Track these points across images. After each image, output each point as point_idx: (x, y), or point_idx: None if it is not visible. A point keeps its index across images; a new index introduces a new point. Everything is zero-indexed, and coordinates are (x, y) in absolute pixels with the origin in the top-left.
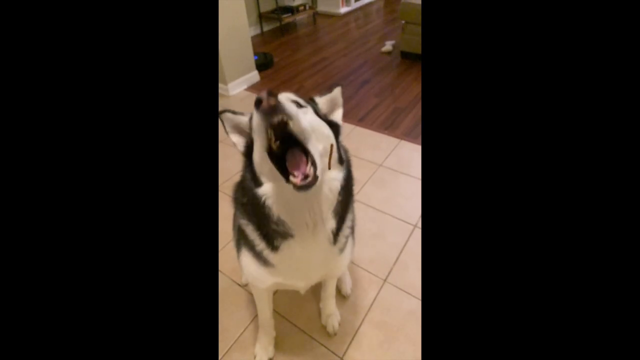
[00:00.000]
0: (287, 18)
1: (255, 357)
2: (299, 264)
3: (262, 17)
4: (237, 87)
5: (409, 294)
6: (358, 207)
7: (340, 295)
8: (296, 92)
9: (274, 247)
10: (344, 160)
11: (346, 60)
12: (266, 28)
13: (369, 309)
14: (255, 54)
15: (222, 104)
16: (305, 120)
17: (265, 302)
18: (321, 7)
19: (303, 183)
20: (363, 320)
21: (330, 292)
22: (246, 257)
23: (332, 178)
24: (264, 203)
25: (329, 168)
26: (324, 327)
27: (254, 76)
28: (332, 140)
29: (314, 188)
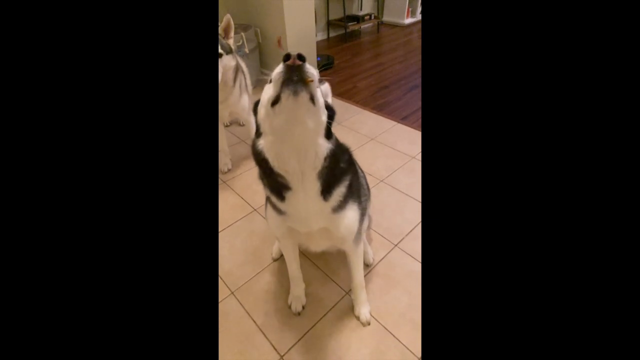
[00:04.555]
0: (353, 26)
1: (290, 307)
2: (300, 211)
3: (330, 24)
4: None
5: (414, 258)
6: (384, 188)
7: (364, 264)
8: (349, 91)
9: (281, 197)
10: (331, 136)
11: (401, 67)
12: (333, 34)
13: (377, 263)
14: (319, 55)
15: None
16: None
17: (291, 255)
18: (386, 17)
19: (295, 63)
20: (370, 271)
21: (358, 281)
22: (269, 212)
23: (319, 143)
24: (263, 155)
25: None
26: (357, 318)
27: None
28: (324, 123)
29: (302, 95)
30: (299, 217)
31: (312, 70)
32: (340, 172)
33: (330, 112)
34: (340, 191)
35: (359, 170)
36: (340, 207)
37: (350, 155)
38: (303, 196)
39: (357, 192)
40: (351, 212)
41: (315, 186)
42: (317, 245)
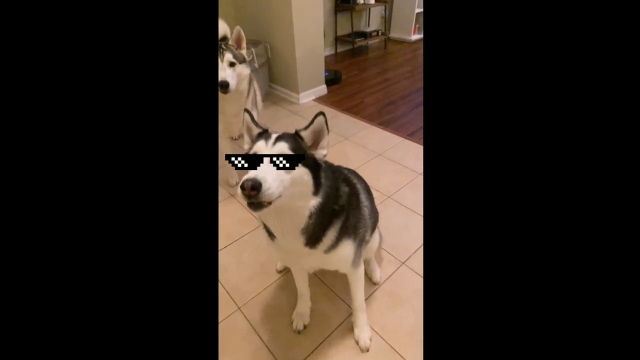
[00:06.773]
0: (360, 42)
1: (292, 323)
2: (287, 254)
3: (337, 40)
4: (306, 97)
5: (422, 276)
6: (391, 204)
7: (371, 282)
8: (356, 106)
9: (271, 238)
10: (319, 191)
11: (408, 83)
12: (340, 49)
13: (384, 281)
14: (327, 70)
15: (292, 110)
16: (279, 186)
17: (299, 276)
18: (393, 34)
19: (250, 194)
20: (377, 289)
21: (358, 303)
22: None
23: (301, 206)
24: None
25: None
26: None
27: (322, 89)
28: (309, 184)
29: (265, 209)
30: (286, 258)
31: (270, 191)
32: (333, 215)
33: (316, 166)
34: (331, 234)
35: (363, 199)
36: (332, 247)
37: (352, 195)
38: (286, 246)
39: (354, 227)
40: (345, 249)
41: (298, 240)
42: (311, 268)
